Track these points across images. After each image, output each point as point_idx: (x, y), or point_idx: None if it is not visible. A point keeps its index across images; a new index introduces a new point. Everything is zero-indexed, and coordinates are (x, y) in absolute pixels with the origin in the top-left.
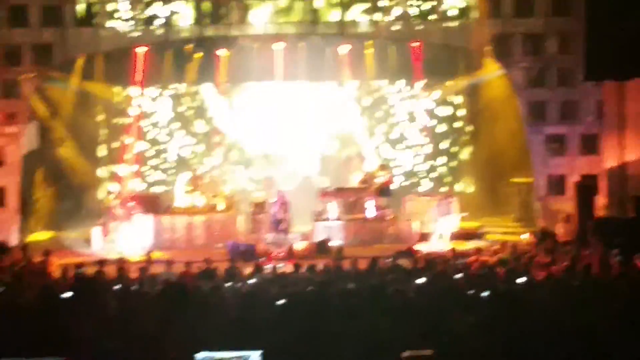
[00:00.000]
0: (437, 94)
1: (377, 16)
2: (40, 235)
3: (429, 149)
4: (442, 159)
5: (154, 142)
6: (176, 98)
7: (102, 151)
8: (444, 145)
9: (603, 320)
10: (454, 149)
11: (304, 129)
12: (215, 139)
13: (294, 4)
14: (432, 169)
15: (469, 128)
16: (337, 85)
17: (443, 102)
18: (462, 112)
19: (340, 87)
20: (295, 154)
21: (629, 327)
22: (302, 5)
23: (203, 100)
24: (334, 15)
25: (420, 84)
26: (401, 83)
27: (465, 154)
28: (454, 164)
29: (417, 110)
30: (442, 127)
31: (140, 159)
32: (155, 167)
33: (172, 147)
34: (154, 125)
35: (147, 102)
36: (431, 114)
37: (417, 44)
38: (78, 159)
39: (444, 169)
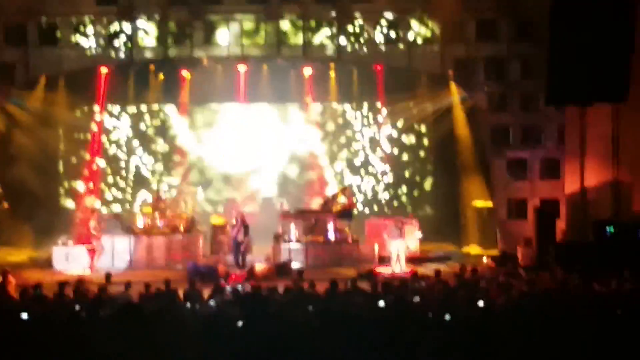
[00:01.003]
0: (400, 121)
1: (342, 40)
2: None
3: (391, 177)
4: (404, 188)
5: (113, 159)
6: (138, 116)
7: (61, 168)
8: (406, 173)
9: (563, 344)
10: (416, 178)
11: (265, 150)
12: (175, 158)
13: (261, 26)
14: (394, 196)
15: (432, 157)
16: (300, 108)
17: (407, 129)
18: (426, 141)
19: (303, 110)
20: (256, 176)
21: (588, 350)
22: (268, 27)
23: (165, 119)
24: (298, 38)
25: (383, 109)
26: (365, 108)
27: (428, 184)
28: (416, 193)
29: (380, 136)
30: (405, 156)
31: (98, 176)
32: (114, 185)
33: (131, 165)
34: (114, 142)
35: (108, 120)
36: (395, 141)
37: (380, 67)
38: (38, 177)
39: (405, 198)
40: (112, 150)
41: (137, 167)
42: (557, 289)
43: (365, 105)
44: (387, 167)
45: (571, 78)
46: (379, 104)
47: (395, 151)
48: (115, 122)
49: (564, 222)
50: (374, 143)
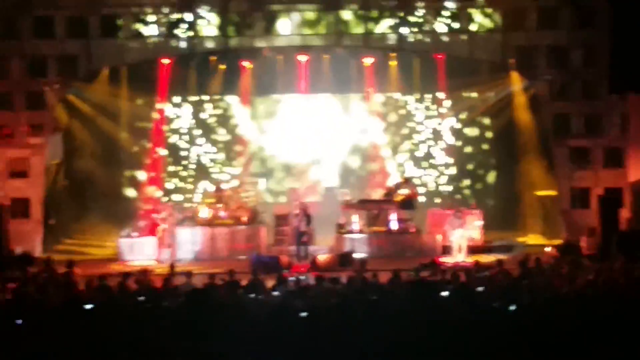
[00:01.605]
0: (464, 113)
1: (403, 29)
2: (65, 247)
3: (454, 170)
4: (467, 182)
5: (174, 148)
6: (199, 105)
7: (124, 159)
8: (469, 166)
9: (628, 334)
10: (479, 172)
11: (327, 141)
12: (237, 148)
13: (322, 16)
14: (457, 189)
15: (495, 147)
16: (362, 98)
17: (470, 121)
18: (489, 134)
19: (365, 101)
20: (317, 166)
21: None
22: (329, 17)
23: (226, 108)
24: (359, 28)
25: (445, 100)
26: (427, 100)
27: (492, 177)
28: (479, 186)
29: (443, 128)
30: (469, 148)
31: (160, 165)
32: (175, 174)
33: (192, 154)
34: (175, 131)
35: (170, 110)
36: (458, 133)
37: (441, 56)
38: (103, 170)
39: (467, 191)
40: (173, 139)
41: (198, 157)
42: (621, 279)
43: (428, 96)
44: (450, 160)
45: (634, 66)
46: (441, 94)
47: (459, 143)
48: (176, 111)
49: (628, 211)
50: (436, 135)
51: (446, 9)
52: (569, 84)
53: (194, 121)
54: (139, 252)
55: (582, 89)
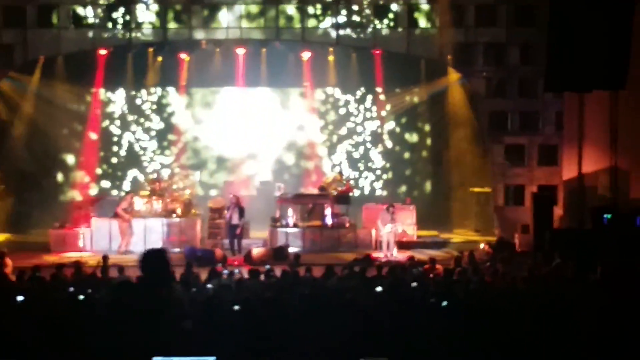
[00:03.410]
0: (404, 117)
1: (340, 24)
2: None
3: (390, 174)
4: (403, 188)
5: (106, 132)
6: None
7: (59, 146)
8: (407, 172)
9: (557, 331)
10: (416, 179)
11: (262, 136)
12: (170, 137)
13: (262, 9)
14: (392, 195)
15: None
16: (300, 94)
17: (411, 127)
18: (429, 141)
19: (304, 97)
20: (252, 161)
21: (582, 338)
22: (268, 11)
23: (162, 96)
24: (297, 22)
25: (382, 94)
26: (368, 100)
27: (429, 186)
28: (415, 193)
29: (383, 132)
30: (407, 154)
31: (91, 150)
32: (104, 160)
33: (124, 141)
34: (108, 116)
35: (104, 95)
36: (397, 138)
37: (379, 51)
38: (37, 161)
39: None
40: (105, 123)
41: (130, 144)
42: (553, 276)
43: (368, 95)
44: (388, 164)
45: (570, 64)
46: (379, 89)
47: (397, 148)
48: (110, 95)
49: (561, 208)
50: (375, 138)
51: (385, 4)
52: (506, 81)
53: (127, 106)
54: (72, 243)
55: (519, 86)
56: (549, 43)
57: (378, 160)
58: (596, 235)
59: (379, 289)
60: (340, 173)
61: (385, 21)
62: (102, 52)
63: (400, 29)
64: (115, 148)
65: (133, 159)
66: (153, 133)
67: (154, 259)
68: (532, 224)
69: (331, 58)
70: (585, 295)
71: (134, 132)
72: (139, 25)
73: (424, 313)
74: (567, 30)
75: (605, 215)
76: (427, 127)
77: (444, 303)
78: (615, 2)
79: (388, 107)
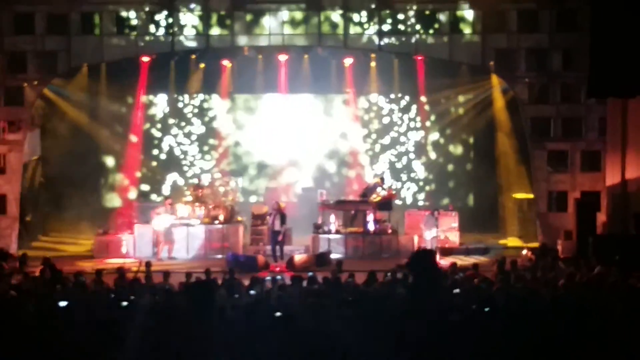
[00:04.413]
0: (448, 129)
1: (383, 30)
2: (41, 244)
3: (433, 186)
4: (446, 200)
5: (146, 135)
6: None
7: (102, 156)
8: (450, 184)
9: (599, 336)
10: (460, 192)
11: (305, 143)
12: (211, 141)
13: (306, 15)
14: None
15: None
16: (343, 102)
17: (455, 139)
18: (472, 154)
19: (346, 104)
20: (293, 168)
21: (623, 344)
22: (310, 17)
23: (204, 100)
24: (339, 29)
25: (425, 99)
26: (412, 110)
27: (471, 200)
28: (458, 205)
29: (426, 142)
30: (451, 166)
31: (132, 152)
32: (144, 163)
33: (165, 144)
34: (149, 119)
35: (146, 98)
36: (441, 149)
37: (421, 57)
38: (79, 167)
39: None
40: (145, 126)
41: (170, 147)
42: (595, 283)
43: (412, 105)
44: (431, 176)
45: (613, 70)
46: (422, 98)
47: (441, 160)
48: (152, 98)
49: (604, 214)
50: (419, 148)
51: (427, 10)
52: (549, 87)
53: (169, 109)
54: (115, 250)
55: (562, 92)
56: (591, 48)
57: (421, 172)
58: None
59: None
60: (382, 178)
61: (428, 27)
62: (145, 59)
63: (442, 35)
64: (155, 151)
65: (173, 162)
66: (194, 137)
67: (423, 259)
68: (575, 230)
69: (373, 64)
70: (629, 302)
71: (175, 136)
72: (181, 30)
73: (466, 319)
74: (609, 35)
75: None
76: (471, 140)
77: (486, 309)
78: None
79: (431, 116)
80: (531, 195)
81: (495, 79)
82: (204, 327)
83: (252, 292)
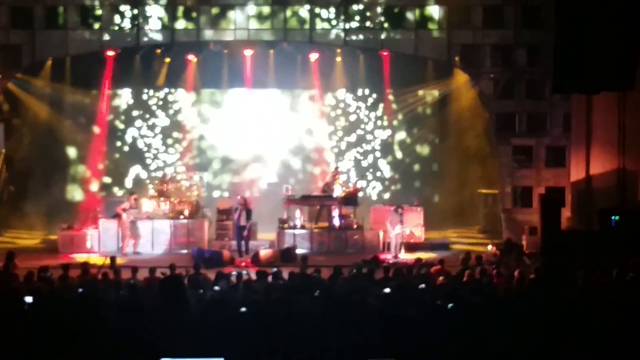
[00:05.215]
0: (415, 128)
1: (348, 25)
2: (4, 238)
3: (399, 186)
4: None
5: (110, 127)
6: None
7: (66, 149)
8: (416, 184)
9: (565, 333)
10: (426, 192)
11: (269, 138)
12: (175, 134)
13: (272, 10)
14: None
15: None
16: (309, 98)
17: (422, 138)
18: (439, 153)
19: (314, 101)
20: (258, 162)
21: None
22: (275, 12)
23: (168, 92)
24: (304, 24)
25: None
26: (379, 109)
27: (437, 198)
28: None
29: (393, 142)
30: (417, 166)
31: (97, 145)
32: (106, 155)
33: (128, 136)
34: (113, 110)
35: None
36: (408, 149)
37: (387, 53)
38: (43, 161)
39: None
40: (108, 117)
41: (133, 139)
42: (561, 278)
43: (380, 104)
44: (397, 175)
45: (577, 66)
46: (388, 91)
47: (407, 160)
48: (116, 90)
49: (569, 210)
50: (385, 147)
51: (394, 6)
52: (513, 83)
53: (132, 101)
54: (80, 245)
55: (526, 88)
56: (556, 44)
57: (387, 170)
58: (604, 237)
59: (387, 290)
60: (337, 168)
61: (394, 23)
62: (110, 53)
63: (408, 31)
64: (118, 143)
65: (136, 155)
66: (158, 130)
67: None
68: (540, 225)
69: (339, 59)
70: (597, 298)
71: (138, 128)
72: (147, 22)
73: (431, 315)
74: (574, 31)
75: (612, 217)
76: (437, 140)
77: (450, 305)
78: (622, 3)
79: (398, 115)
80: (496, 191)
81: (460, 75)
82: (170, 322)
83: (217, 287)
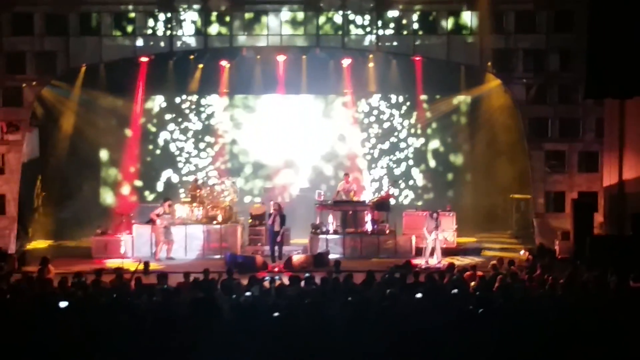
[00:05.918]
0: (449, 137)
1: (380, 31)
2: (39, 244)
3: (432, 195)
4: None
5: (142, 130)
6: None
7: (101, 156)
8: (449, 194)
9: (596, 337)
10: (459, 202)
11: (302, 143)
12: (208, 139)
13: (304, 16)
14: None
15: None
16: (343, 104)
17: (456, 147)
18: (472, 161)
19: (347, 107)
20: (290, 168)
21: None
22: (308, 18)
23: (201, 97)
24: (337, 30)
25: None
26: (413, 118)
27: (469, 202)
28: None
29: (426, 150)
30: (450, 176)
31: (131, 149)
32: (140, 159)
33: (160, 139)
34: (145, 113)
35: (148, 103)
36: (441, 158)
37: (419, 58)
38: (77, 167)
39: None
40: (141, 120)
41: (165, 142)
42: (594, 283)
43: (413, 112)
44: (429, 184)
45: (610, 71)
46: (422, 97)
47: (440, 169)
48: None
49: (601, 215)
50: (418, 156)
51: (423, 10)
52: (546, 88)
53: (165, 105)
54: (113, 250)
55: (559, 93)
56: (588, 49)
57: (419, 179)
58: (637, 242)
59: (418, 295)
60: (347, 174)
61: (426, 29)
62: (144, 59)
63: (440, 36)
64: (150, 147)
65: (168, 159)
66: (190, 134)
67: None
68: (573, 230)
69: (371, 65)
70: (630, 303)
71: (171, 132)
72: (180, 28)
73: (463, 320)
74: (606, 36)
75: None
76: (471, 148)
77: (480, 310)
78: None
79: (432, 123)
80: (528, 196)
81: (492, 80)
82: (203, 327)
83: (249, 292)
